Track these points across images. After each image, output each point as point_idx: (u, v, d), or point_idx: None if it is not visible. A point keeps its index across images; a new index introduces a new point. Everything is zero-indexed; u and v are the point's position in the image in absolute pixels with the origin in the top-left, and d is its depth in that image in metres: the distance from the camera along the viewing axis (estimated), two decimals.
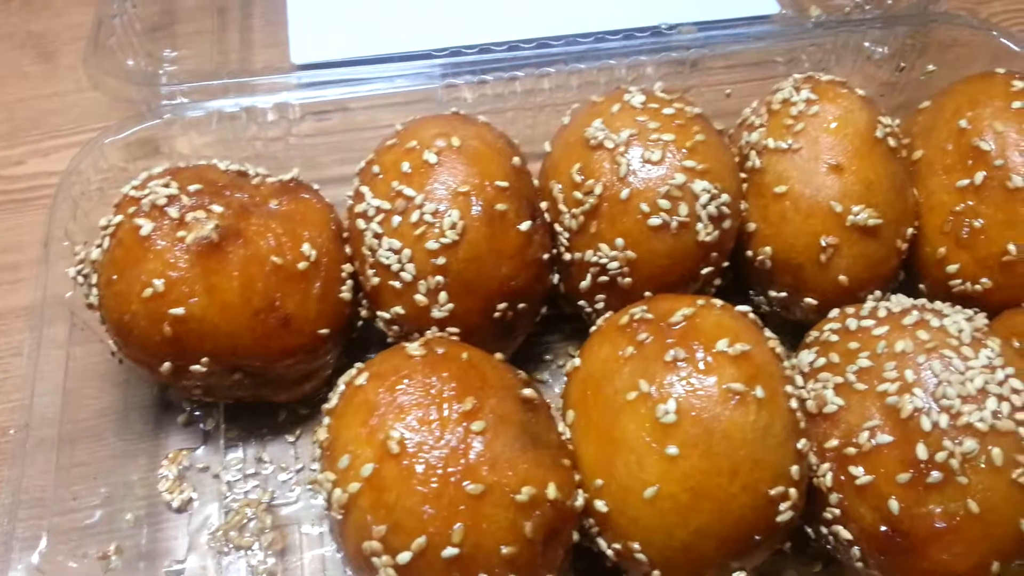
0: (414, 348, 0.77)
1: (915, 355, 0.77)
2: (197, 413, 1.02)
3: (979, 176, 0.90)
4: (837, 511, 0.79)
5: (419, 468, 0.69)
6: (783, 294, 0.96)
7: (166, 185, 0.90)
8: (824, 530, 0.81)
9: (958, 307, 0.84)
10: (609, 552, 0.78)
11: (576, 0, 1.32)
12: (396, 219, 0.87)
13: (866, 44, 1.17)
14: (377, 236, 0.89)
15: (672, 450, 0.72)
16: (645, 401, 0.74)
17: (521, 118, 1.13)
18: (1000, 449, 0.72)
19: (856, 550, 0.79)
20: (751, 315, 0.83)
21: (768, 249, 0.93)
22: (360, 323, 0.99)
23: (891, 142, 0.91)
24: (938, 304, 0.84)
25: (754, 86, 1.15)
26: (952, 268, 0.93)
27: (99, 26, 1.11)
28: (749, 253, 0.95)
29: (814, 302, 0.94)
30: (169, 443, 1.00)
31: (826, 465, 0.79)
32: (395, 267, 0.87)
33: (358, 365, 0.80)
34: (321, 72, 1.10)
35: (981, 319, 0.82)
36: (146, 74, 1.14)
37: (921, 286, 0.97)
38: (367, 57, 1.23)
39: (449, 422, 0.71)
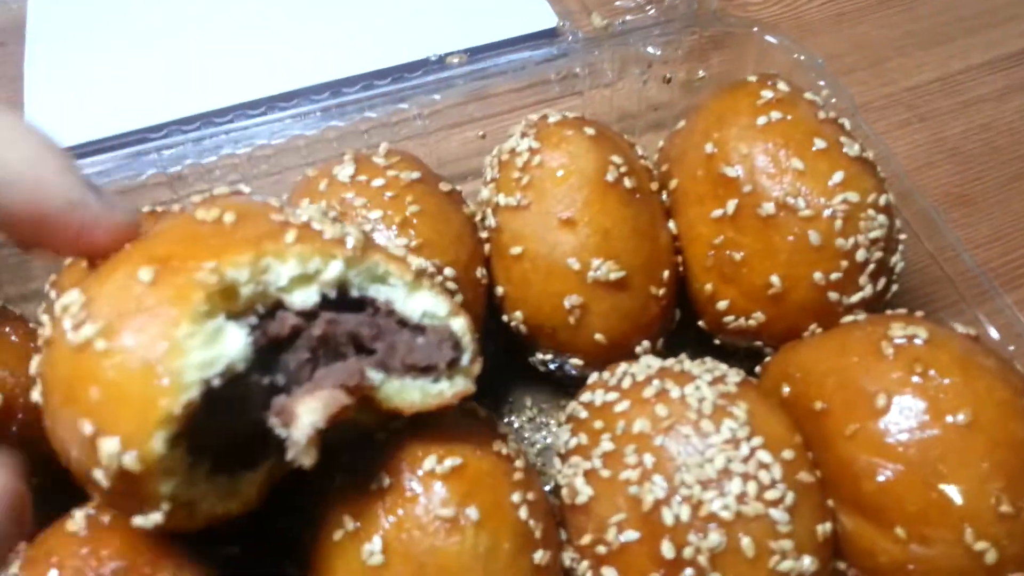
0: (77, 521, 0.66)
1: (653, 435, 0.69)
2: None
3: (731, 205, 0.81)
4: None
5: None
6: (549, 355, 0.87)
7: None
8: None
9: (710, 365, 0.76)
10: None
11: (332, 40, 1.21)
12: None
13: (650, 51, 1.08)
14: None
15: None
16: (351, 540, 0.65)
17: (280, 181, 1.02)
18: (750, 538, 0.65)
19: None
20: (481, 412, 0.74)
21: (519, 314, 0.84)
22: None
23: (627, 183, 0.82)
24: (687, 364, 0.75)
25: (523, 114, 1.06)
26: (722, 304, 0.84)
27: None
28: (504, 318, 0.86)
29: (580, 362, 0.85)
30: None
31: (585, 564, 0.71)
32: None
33: (22, 547, 0.68)
34: None
35: (733, 377, 0.74)
36: None
37: (700, 323, 0.89)
38: (105, 137, 1.11)
39: None
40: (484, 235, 0.86)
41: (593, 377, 0.80)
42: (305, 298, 0.61)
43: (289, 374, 0.61)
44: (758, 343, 0.86)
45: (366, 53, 1.19)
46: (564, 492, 0.73)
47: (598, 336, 0.82)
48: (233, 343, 0.57)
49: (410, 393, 0.65)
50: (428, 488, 0.65)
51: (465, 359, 0.66)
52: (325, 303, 0.62)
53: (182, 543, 0.65)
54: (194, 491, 0.59)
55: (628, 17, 1.18)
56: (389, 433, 0.68)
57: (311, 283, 0.61)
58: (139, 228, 0.62)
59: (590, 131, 0.83)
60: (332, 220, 0.66)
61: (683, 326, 0.90)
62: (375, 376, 0.63)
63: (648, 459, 0.68)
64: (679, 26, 1.05)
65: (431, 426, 0.68)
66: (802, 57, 0.96)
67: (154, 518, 0.58)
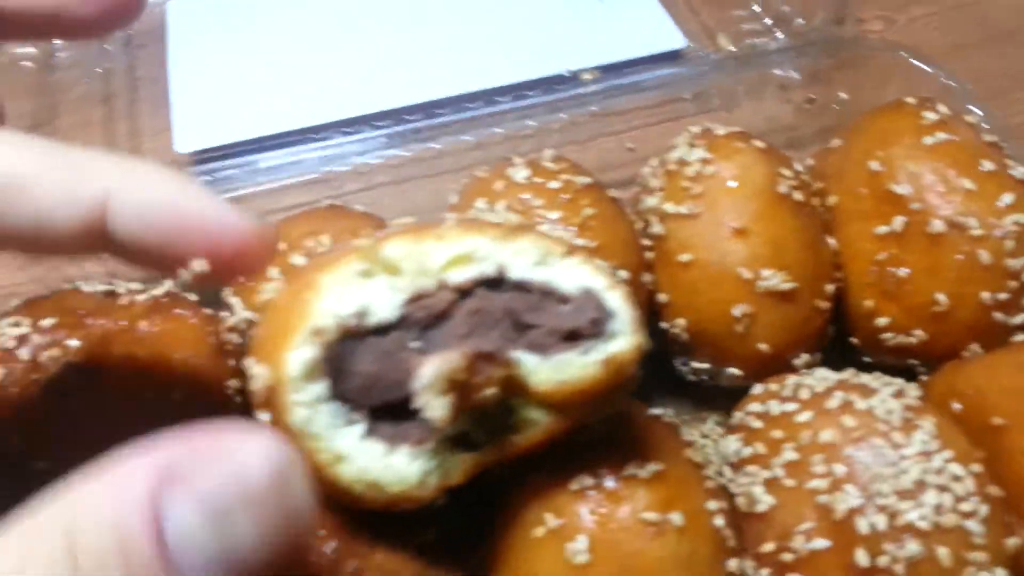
0: None
1: (843, 446, 0.70)
2: None
3: (898, 222, 0.82)
4: None
5: None
6: (706, 364, 0.88)
7: (16, 324, 0.80)
8: None
9: (886, 379, 0.77)
10: None
11: (465, 56, 1.23)
12: None
13: (778, 72, 1.10)
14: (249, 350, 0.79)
15: None
16: (554, 537, 0.66)
17: (419, 187, 1.05)
18: (947, 548, 0.65)
19: None
20: (666, 418, 0.75)
21: (682, 321, 0.85)
22: None
23: (796, 196, 0.83)
24: (864, 377, 0.76)
25: (663, 129, 1.08)
26: (882, 321, 0.85)
27: None
28: (664, 325, 0.87)
29: (738, 372, 0.86)
30: None
31: (765, 571, 0.72)
32: None
33: None
34: (211, 165, 1.01)
35: (913, 391, 0.75)
36: None
37: (853, 340, 0.90)
38: (259, 137, 1.13)
39: None
40: (647, 243, 0.87)
41: (758, 389, 0.81)
42: (463, 275, 0.62)
43: (440, 345, 0.61)
44: (912, 362, 0.87)
45: (490, 68, 1.22)
46: (741, 501, 0.74)
47: (762, 346, 0.83)
48: (377, 296, 0.60)
49: (557, 370, 0.61)
50: (633, 492, 0.66)
51: (618, 326, 0.61)
52: (482, 283, 0.62)
53: (385, 525, 0.66)
54: (341, 440, 0.60)
55: (756, 40, 1.20)
56: (584, 438, 0.69)
57: (468, 263, 0.62)
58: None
59: (759, 144, 0.84)
60: (497, 213, 0.68)
61: (832, 342, 0.91)
62: (518, 354, 0.61)
63: (839, 469, 0.69)
64: (817, 49, 1.06)
65: (626, 430, 0.69)
66: (952, 83, 0.97)
67: (321, 459, 0.59)
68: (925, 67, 0.98)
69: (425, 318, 0.61)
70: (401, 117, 1.09)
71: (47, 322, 0.80)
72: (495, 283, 0.63)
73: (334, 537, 0.64)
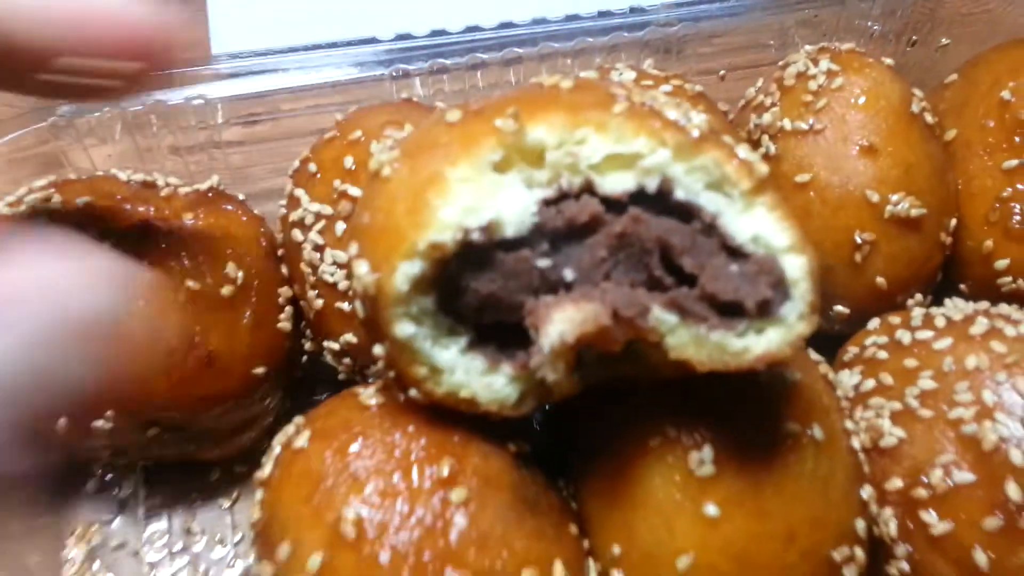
0: (369, 395, 0.61)
1: (992, 372, 0.63)
2: (109, 477, 0.84)
3: None
4: (906, 566, 0.64)
5: (384, 557, 0.52)
6: None
7: (47, 199, 0.72)
8: None
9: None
10: None
11: None
12: (340, 226, 0.72)
13: (866, 23, 1.04)
14: (318, 248, 0.73)
15: (711, 510, 0.57)
16: (673, 447, 0.59)
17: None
18: None
19: None
20: None
21: None
22: (304, 358, 0.83)
23: (928, 118, 0.77)
24: (1004, 307, 0.70)
25: (744, 73, 1.01)
26: (1001, 264, 0.79)
27: None
28: None
29: (845, 310, 0.79)
30: (76, 516, 0.83)
31: (888, 511, 0.65)
32: (342, 285, 0.72)
33: (297, 421, 0.62)
34: (248, 61, 0.93)
35: None
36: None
37: (962, 286, 0.84)
38: (301, 46, 1.06)
39: (421, 493, 0.54)
40: None
41: (874, 323, 0.75)
42: (618, 184, 0.52)
43: (575, 269, 0.52)
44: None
45: None
46: (862, 437, 0.67)
47: (879, 279, 0.77)
48: (511, 202, 0.51)
49: (704, 345, 0.52)
50: (766, 399, 0.59)
51: (792, 311, 0.51)
52: (641, 198, 0.53)
53: (480, 429, 0.59)
54: (442, 355, 0.55)
55: None
56: None
57: (629, 168, 0.53)
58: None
59: (889, 61, 0.78)
60: (678, 105, 0.58)
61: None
62: (663, 317, 0.52)
63: (989, 397, 0.62)
64: None
65: None
66: None
67: (418, 374, 0.55)
68: None
69: (562, 228, 0.52)
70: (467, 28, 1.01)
71: (82, 200, 0.72)
72: (654, 200, 0.52)
73: (425, 436, 0.57)
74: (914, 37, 1.01)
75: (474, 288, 0.52)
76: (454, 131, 0.53)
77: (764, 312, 0.50)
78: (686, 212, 0.53)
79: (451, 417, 0.58)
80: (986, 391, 0.63)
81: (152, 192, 0.80)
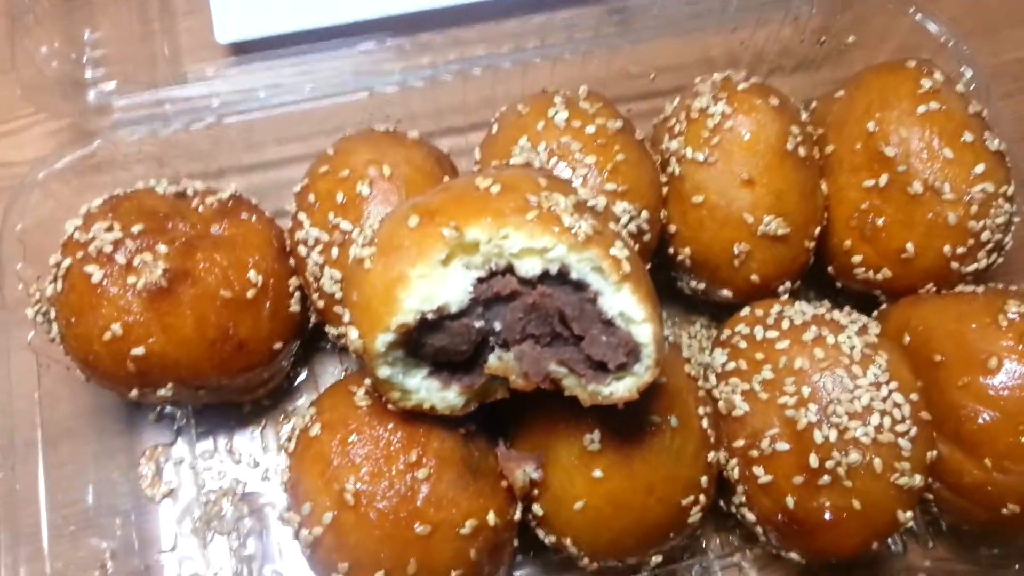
0: (360, 397, 0.85)
1: (811, 373, 0.87)
2: (167, 410, 1.09)
3: (883, 179, 0.96)
4: (743, 498, 0.91)
5: (373, 516, 0.79)
6: (702, 285, 1.03)
7: (109, 228, 0.91)
8: (734, 509, 0.94)
9: (854, 316, 0.93)
10: (546, 541, 0.90)
11: None
12: (335, 251, 0.92)
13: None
14: (319, 266, 0.93)
15: (598, 473, 0.83)
16: (574, 430, 0.84)
17: (479, 83, 1.12)
18: (880, 459, 0.84)
19: (759, 528, 0.92)
20: (669, 340, 0.91)
21: (687, 250, 1.00)
22: (311, 324, 1.06)
23: (801, 151, 0.96)
24: (835, 314, 0.92)
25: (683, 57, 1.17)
26: (857, 259, 1.00)
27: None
28: (671, 250, 1.02)
29: (730, 294, 1.02)
30: (144, 439, 1.08)
31: (734, 460, 0.91)
32: (339, 296, 0.92)
33: (311, 411, 0.87)
34: (255, 56, 1.08)
35: (874, 329, 0.91)
36: (73, 82, 1.11)
37: (829, 269, 1.05)
38: (300, 31, 1.20)
39: (397, 474, 0.80)
40: (663, 179, 1.00)
41: (745, 311, 0.98)
42: (531, 267, 0.74)
43: (501, 324, 0.76)
44: (876, 292, 1.03)
45: None
46: (721, 405, 0.92)
47: (754, 277, 0.98)
48: (453, 290, 0.73)
49: (585, 391, 0.76)
50: (641, 399, 0.83)
51: (640, 368, 0.74)
52: (547, 278, 0.74)
53: (437, 423, 0.84)
54: (410, 382, 0.79)
55: None
56: None
57: (539, 256, 0.73)
58: None
59: (775, 101, 0.96)
60: (575, 211, 0.75)
61: (811, 269, 1.06)
62: (557, 370, 0.76)
63: (805, 391, 0.86)
64: None
65: None
66: (951, 40, 1.07)
67: (394, 396, 0.79)
68: (930, 27, 1.07)
69: (492, 297, 0.75)
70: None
71: (137, 228, 0.91)
72: (556, 278, 0.74)
73: (400, 430, 0.82)
74: (823, 38, 1.16)
75: (430, 343, 0.75)
76: (414, 235, 0.74)
77: (622, 369, 0.73)
78: (579, 286, 0.74)
79: (419, 416, 0.83)
80: (804, 386, 0.87)
81: (185, 204, 0.99)
